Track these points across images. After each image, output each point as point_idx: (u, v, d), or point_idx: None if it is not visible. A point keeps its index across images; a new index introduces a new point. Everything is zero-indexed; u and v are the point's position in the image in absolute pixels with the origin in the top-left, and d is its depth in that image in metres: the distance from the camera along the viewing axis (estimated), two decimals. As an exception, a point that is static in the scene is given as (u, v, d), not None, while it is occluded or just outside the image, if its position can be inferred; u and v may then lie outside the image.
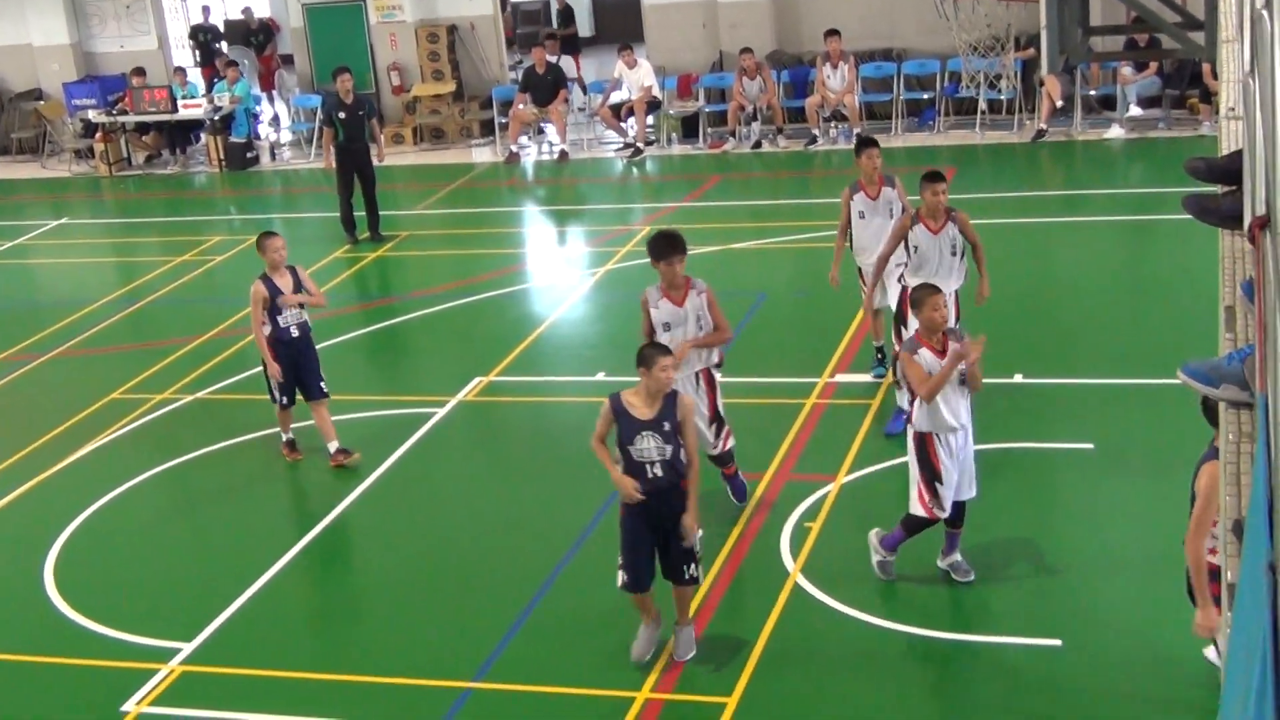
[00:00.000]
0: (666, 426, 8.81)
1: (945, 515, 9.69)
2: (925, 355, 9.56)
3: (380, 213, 20.53)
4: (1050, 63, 21.24)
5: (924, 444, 9.58)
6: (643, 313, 10.73)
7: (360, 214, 20.46)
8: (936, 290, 9.69)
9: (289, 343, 12.64)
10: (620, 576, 9.14)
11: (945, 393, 9.50)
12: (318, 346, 13.17)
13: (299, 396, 12.88)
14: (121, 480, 13.08)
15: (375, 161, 20.44)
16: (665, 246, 10.56)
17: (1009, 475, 11.66)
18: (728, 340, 11.03)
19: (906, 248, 12.13)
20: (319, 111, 24.20)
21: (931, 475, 9.57)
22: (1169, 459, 11.29)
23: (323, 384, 12.82)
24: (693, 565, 9.16)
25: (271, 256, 12.68)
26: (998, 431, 12.31)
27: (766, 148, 24.27)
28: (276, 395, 12.84)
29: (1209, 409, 7.39)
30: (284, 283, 12.68)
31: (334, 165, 20.25)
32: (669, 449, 8.81)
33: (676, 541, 9.01)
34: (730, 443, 11.17)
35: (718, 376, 11.07)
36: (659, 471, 8.83)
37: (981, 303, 12.43)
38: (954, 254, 12.12)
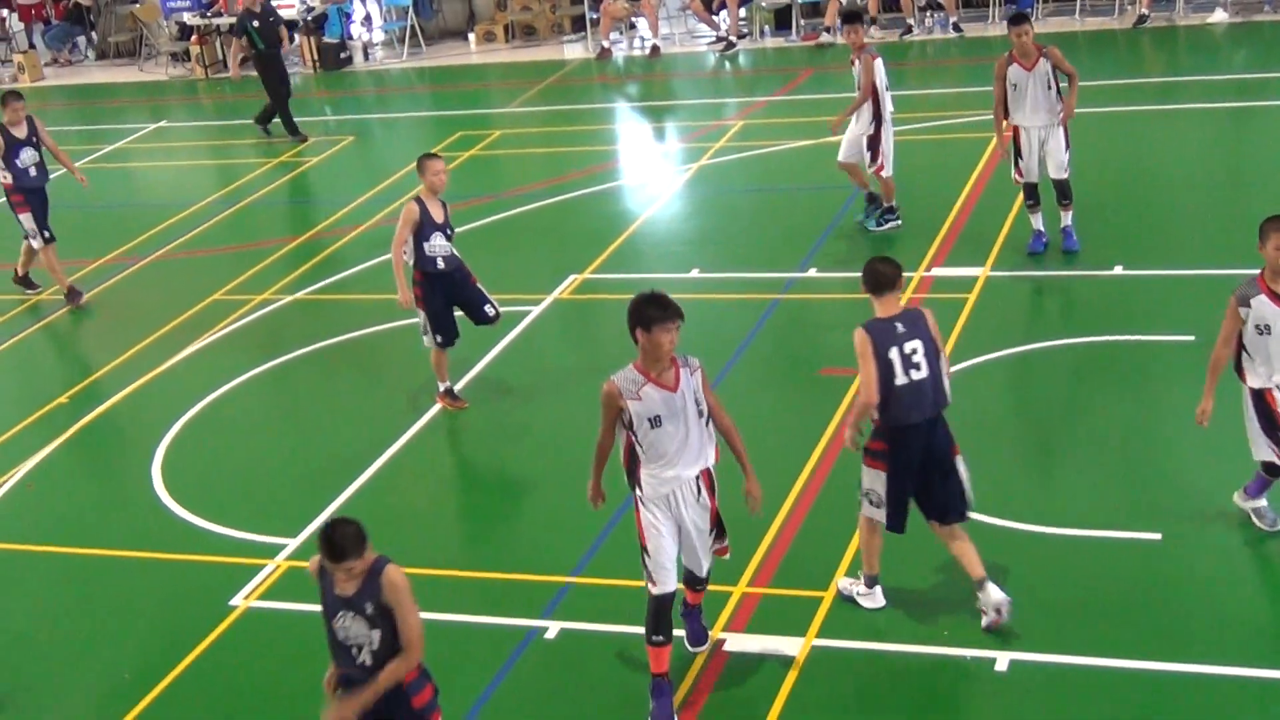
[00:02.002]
0: (369, 609, 6.70)
1: None
2: (1262, 304, 8.46)
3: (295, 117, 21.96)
4: (1152, -55, 20.59)
5: (1261, 399, 8.79)
6: (605, 412, 7.84)
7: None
8: None
9: (436, 275, 11.69)
10: None
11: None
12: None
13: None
14: (224, 380, 13.29)
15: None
16: (661, 309, 7.69)
17: (1109, 368, 11.54)
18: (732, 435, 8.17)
19: (1005, 86, 13.39)
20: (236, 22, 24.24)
21: (1272, 426, 8.75)
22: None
23: (488, 307, 12.05)
24: None
25: (431, 180, 11.71)
26: (1098, 324, 12.19)
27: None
28: (430, 332, 11.88)
29: None
30: (437, 211, 11.73)
31: (240, 75, 22.54)
32: (376, 636, 6.71)
33: None
34: (727, 554, 8.44)
35: (714, 474, 8.13)
36: (367, 660, 6.76)
37: (1065, 121, 13.36)
38: (1049, 88, 13.23)
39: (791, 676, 8.30)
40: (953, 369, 11.62)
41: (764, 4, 25.24)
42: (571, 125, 21.43)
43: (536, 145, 20.59)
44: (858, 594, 8.85)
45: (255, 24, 21.54)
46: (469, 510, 10.92)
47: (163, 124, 24.56)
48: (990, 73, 13.66)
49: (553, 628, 9.04)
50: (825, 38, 23.91)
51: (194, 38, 27.60)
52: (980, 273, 13.44)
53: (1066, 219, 13.71)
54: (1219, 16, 22.06)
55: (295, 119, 21.75)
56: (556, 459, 11.24)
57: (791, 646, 8.54)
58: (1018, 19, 13.34)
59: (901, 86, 21.35)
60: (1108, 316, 12.35)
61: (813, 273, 14.07)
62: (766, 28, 25.36)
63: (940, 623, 8.65)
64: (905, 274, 12.67)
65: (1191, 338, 11.71)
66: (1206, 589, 8.72)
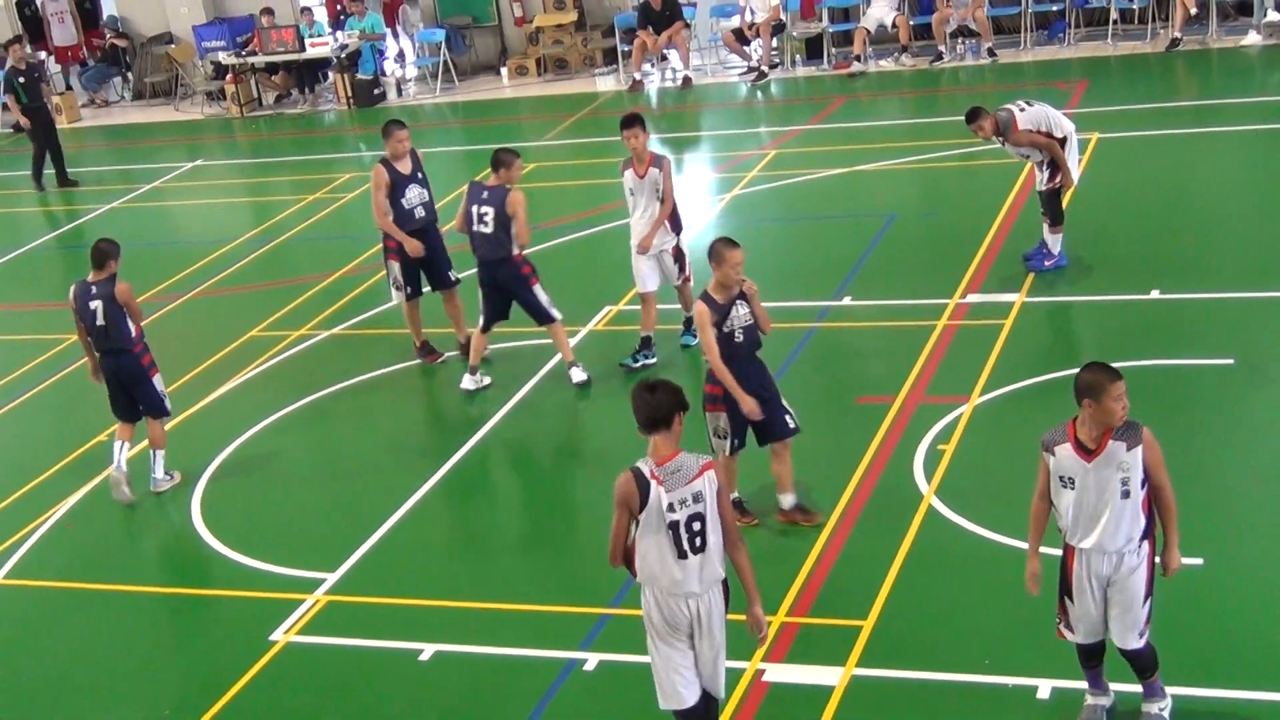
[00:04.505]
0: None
1: None
2: (1067, 453, 7.40)
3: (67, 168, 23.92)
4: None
5: (1063, 558, 7.66)
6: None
7: (48, 172, 23.75)
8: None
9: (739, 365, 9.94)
10: None
11: None
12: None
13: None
14: (262, 416, 13.36)
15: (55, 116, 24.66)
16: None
17: (1148, 393, 11.46)
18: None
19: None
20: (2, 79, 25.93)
21: (1065, 588, 7.65)
22: (1312, 373, 11.08)
23: (789, 418, 10.13)
24: None
25: (728, 272, 9.81)
26: (1136, 348, 12.12)
27: (891, 66, 23.97)
28: (728, 436, 10.05)
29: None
30: (721, 294, 9.88)
31: (29, 124, 23.50)
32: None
33: None
34: None
35: None
36: None
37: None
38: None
39: (831, 706, 8.26)
40: (987, 397, 11.66)
41: (795, 34, 25.29)
42: (604, 157, 21.44)
43: (570, 178, 20.64)
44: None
45: (21, 80, 23.21)
46: (506, 543, 10.94)
47: (199, 162, 24.74)
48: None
49: (592, 659, 9.03)
50: (856, 66, 23.94)
51: (229, 77, 27.82)
52: (1016, 298, 13.40)
53: (1046, 235, 13.91)
54: (1252, 39, 21.98)
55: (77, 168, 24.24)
56: (593, 490, 11.23)
57: (831, 676, 8.50)
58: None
59: (935, 113, 21.40)
60: (1145, 341, 12.30)
61: (848, 301, 14.05)
62: (798, 57, 25.40)
63: (980, 651, 8.60)
64: (940, 301, 12.78)
65: (1230, 361, 11.66)
66: (1250, 615, 8.65)
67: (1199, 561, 9.05)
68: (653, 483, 7.15)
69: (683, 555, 7.18)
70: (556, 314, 12.90)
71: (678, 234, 13.15)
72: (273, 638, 9.77)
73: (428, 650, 9.39)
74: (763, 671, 8.63)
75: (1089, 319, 13.29)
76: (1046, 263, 13.83)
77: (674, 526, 7.14)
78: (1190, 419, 11.16)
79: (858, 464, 10.84)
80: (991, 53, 23.28)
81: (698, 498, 7.16)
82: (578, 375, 12.95)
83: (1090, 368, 7.27)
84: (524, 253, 12.83)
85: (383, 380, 13.83)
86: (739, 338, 9.83)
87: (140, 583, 10.89)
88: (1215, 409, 11.23)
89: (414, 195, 13.50)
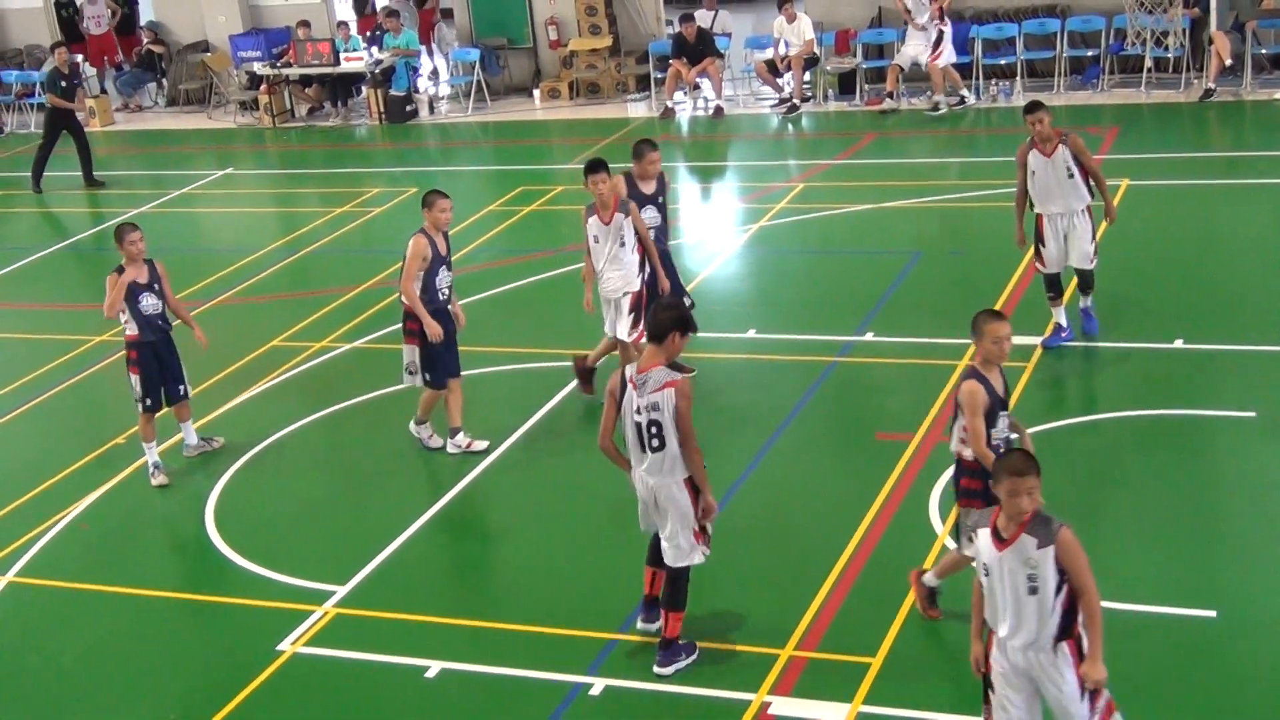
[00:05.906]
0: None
1: None
2: (984, 541, 7.07)
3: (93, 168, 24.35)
4: (1219, 20, 20.77)
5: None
6: None
7: (73, 173, 24.19)
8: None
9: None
10: None
11: None
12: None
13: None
14: (280, 426, 13.38)
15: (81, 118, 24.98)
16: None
17: (1168, 443, 11.44)
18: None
19: (1026, 173, 12.92)
20: (44, 82, 26.45)
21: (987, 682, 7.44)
22: (1334, 429, 11.01)
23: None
24: None
25: (989, 347, 9.06)
26: (1157, 398, 12.08)
27: (923, 105, 23.95)
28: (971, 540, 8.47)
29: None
30: (1000, 384, 9.19)
31: (76, 110, 24.49)
32: None
33: None
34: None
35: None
36: None
37: (1108, 218, 12.94)
38: (1069, 175, 12.63)
39: (837, 742, 8.23)
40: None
41: (829, 68, 25.31)
42: (633, 183, 21.48)
43: (597, 202, 20.64)
44: None
45: (64, 84, 23.98)
46: (517, 563, 10.92)
47: (229, 171, 24.84)
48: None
49: (598, 685, 9.01)
50: (888, 103, 23.93)
51: (263, 87, 27.93)
52: (1039, 341, 13.35)
53: (1086, 301, 13.38)
54: (1286, 92, 21.97)
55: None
56: (605, 515, 11.21)
57: (837, 712, 8.47)
58: (1032, 107, 12.74)
59: (964, 153, 21.39)
60: (1167, 390, 12.25)
61: (870, 337, 14.03)
62: (830, 91, 25.42)
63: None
64: (963, 340, 12.72)
65: (1252, 414, 11.61)
66: (1263, 668, 8.59)
67: (1213, 614, 9.01)
68: (629, 386, 8.64)
69: (644, 449, 8.69)
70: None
71: (643, 276, 12.66)
72: (280, 647, 9.77)
73: (434, 667, 9.38)
74: (769, 704, 8.60)
75: (1110, 366, 13.23)
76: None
77: (638, 426, 8.63)
78: (1209, 470, 11.12)
79: (873, 500, 10.81)
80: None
81: (655, 407, 8.56)
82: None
83: (1010, 453, 7.02)
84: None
85: (403, 395, 13.80)
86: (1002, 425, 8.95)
87: (150, 586, 10.89)
88: (1234, 461, 11.19)
89: (649, 218, 12.94)
